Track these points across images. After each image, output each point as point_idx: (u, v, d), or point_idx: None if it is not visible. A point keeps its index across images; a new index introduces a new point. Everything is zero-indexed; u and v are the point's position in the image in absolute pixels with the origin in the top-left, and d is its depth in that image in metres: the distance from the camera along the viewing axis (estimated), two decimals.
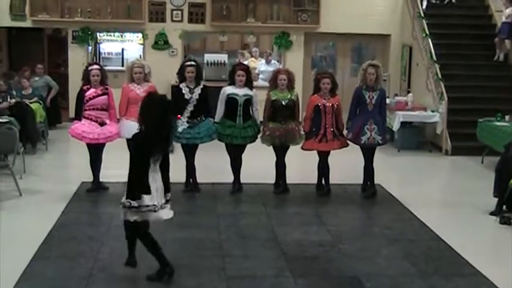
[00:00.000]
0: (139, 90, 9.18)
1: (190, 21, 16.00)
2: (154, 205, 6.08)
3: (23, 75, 14.21)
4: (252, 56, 16.78)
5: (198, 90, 9.38)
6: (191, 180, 9.70)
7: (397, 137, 13.46)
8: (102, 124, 9.41)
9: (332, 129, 9.40)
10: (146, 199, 6.02)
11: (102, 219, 8.54)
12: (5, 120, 10.43)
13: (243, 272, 6.72)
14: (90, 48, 16.13)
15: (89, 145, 9.50)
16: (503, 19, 14.21)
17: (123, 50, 16.57)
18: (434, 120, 13.56)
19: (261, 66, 16.06)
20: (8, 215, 8.58)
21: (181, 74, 9.44)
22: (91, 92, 9.40)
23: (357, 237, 8.11)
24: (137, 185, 6.02)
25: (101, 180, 9.68)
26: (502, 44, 14.48)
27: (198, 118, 9.41)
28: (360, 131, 9.47)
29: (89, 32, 15.88)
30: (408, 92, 15.03)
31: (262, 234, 7.96)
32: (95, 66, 9.67)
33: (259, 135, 9.63)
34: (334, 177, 9.77)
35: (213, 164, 10.60)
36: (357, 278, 6.62)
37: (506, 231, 8.42)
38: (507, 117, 12.35)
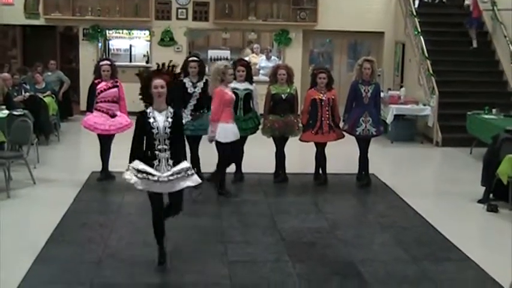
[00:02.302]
0: (231, 92, 8.79)
1: (194, 19, 15.97)
2: (150, 174, 5.99)
3: (36, 70, 14.19)
4: (253, 52, 16.74)
5: (200, 85, 9.35)
6: (195, 169, 9.68)
7: (390, 129, 13.43)
8: (113, 116, 9.42)
9: (328, 122, 9.38)
10: (139, 164, 6.01)
11: (111, 207, 8.54)
12: (19, 113, 10.39)
13: (245, 258, 6.71)
14: (100, 44, 16.10)
15: (100, 136, 9.50)
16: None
17: (131, 46, 16.57)
18: (425, 113, 13.53)
19: (262, 62, 16.02)
20: (23, 202, 8.60)
21: (184, 69, 9.41)
22: (102, 85, 9.40)
23: (352, 225, 8.10)
24: (131, 151, 6.11)
25: (110, 169, 9.67)
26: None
27: (201, 111, 9.39)
28: (356, 123, 9.45)
29: (99, 30, 15.85)
30: (401, 87, 14.98)
31: (263, 222, 7.95)
32: (106, 62, 9.68)
33: (259, 127, 9.61)
34: (331, 167, 9.75)
35: (216, 155, 10.56)
36: (352, 263, 6.61)
37: (493, 218, 8.42)
38: (494, 111, 12.32)
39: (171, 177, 6.07)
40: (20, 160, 9.53)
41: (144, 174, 6.01)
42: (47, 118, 12.27)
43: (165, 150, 6.09)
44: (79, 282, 5.98)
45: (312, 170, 9.79)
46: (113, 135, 9.57)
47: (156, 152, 6.07)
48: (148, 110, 6.11)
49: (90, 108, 9.56)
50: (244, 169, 9.77)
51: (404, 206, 8.81)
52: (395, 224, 8.04)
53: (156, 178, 6.02)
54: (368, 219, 8.37)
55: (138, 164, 6.03)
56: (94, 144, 9.73)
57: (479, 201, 8.86)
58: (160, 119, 6.06)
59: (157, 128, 6.04)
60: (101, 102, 9.41)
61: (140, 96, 6.22)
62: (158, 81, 6.04)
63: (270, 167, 9.83)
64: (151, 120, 6.05)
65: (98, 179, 9.59)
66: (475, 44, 14.78)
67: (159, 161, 6.08)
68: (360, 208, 9.12)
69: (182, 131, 6.33)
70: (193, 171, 6.33)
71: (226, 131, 8.64)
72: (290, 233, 7.54)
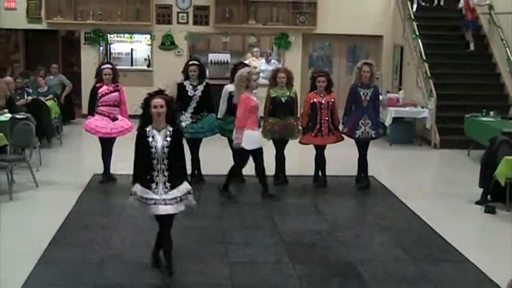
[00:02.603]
0: (256, 98, 8.72)
1: (195, 23, 15.98)
2: (149, 198, 6.01)
3: (38, 74, 14.21)
4: (253, 56, 16.76)
5: (200, 88, 9.37)
6: (196, 171, 9.71)
7: (389, 132, 13.45)
8: (114, 119, 9.43)
9: (327, 125, 9.40)
10: (139, 190, 6.03)
11: (113, 209, 8.55)
12: (22, 116, 10.41)
13: (245, 259, 6.73)
14: (101, 48, 16.11)
15: (101, 139, 9.52)
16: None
17: (132, 50, 16.57)
18: (424, 116, 13.55)
19: (262, 66, 16.02)
20: (25, 205, 8.62)
21: (185, 73, 9.43)
22: (104, 89, 9.41)
23: (352, 226, 8.11)
24: (134, 171, 6.15)
25: (111, 172, 9.68)
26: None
27: (201, 114, 9.41)
28: (355, 125, 9.46)
29: (100, 34, 15.86)
30: (399, 90, 15.00)
31: (263, 223, 7.96)
32: (108, 65, 9.69)
33: (259, 130, 9.61)
34: (330, 170, 9.77)
35: (216, 157, 10.60)
36: (352, 264, 6.63)
37: (490, 220, 8.43)
38: (492, 113, 12.33)
39: (168, 202, 6.03)
40: (22, 163, 9.55)
41: (145, 200, 6.04)
42: (49, 121, 12.28)
43: (163, 170, 6.02)
44: (82, 284, 5.99)
45: (312, 172, 9.80)
46: (114, 138, 9.58)
47: (154, 173, 6.02)
48: (147, 129, 6.05)
49: (91, 111, 9.57)
50: (244, 172, 9.77)
51: (403, 207, 8.82)
52: (395, 226, 8.05)
53: (153, 202, 6.02)
54: (367, 221, 8.38)
55: (141, 192, 6.04)
56: (96, 147, 9.75)
57: (477, 203, 8.88)
58: (158, 139, 6.00)
59: (156, 147, 5.98)
60: (102, 106, 9.42)
61: (141, 120, 6.17)
62: (158, 101, 5.98)
63: (270, 170, 9.82)
64: (150, 139, 6.00)
65: (100, 182, 9.60)
66: (472, 47, 14.79)
67: (157, 185, 6.03)
68: (360, 210, 9.13)
69: (182, 151, 6.19)
70: (191, 193, 6.21)
71: (252, 137, 8.65)
72: (290, 234, 7.56)
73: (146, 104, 6.04)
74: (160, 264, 6.35)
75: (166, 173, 6.02)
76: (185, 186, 6.12)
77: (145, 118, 6.09)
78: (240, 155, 8.83)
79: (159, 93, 6.09)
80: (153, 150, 5.96)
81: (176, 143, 6.07)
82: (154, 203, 6.01)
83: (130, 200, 6.15)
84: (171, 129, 6.07)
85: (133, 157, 6.15)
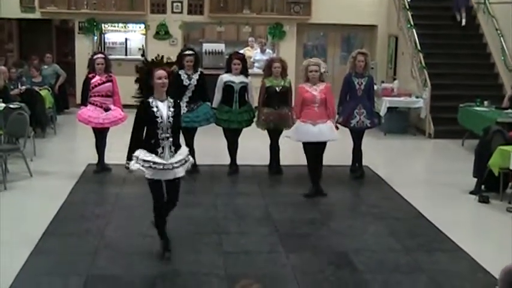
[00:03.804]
0: (316, 91, 8.49)
1: (189, 12, 15.93)
2: (157, 163, 6.07)
3: (32, 63, 14.15)
4: (247, 45, 16.72)
5: (195, 77, 9.34)
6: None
7: (383, 121, 13.45)
8: (106, 110, 9.40)
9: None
10: (143, 154, 6.06)
11: (107, 199, 8.55)
12: (16, 106, 10.38)
13: (239, 248, 6.73)
14: (95, 38, 16.04)
15: (94, 129, 9.49)
16: None
17: (126, 39, 16.51)
18: (418, 106, 13.56)
19: (256, 55, 16.00)
20: (20, 194, 8.60)
21: (180, 62, 9.39)
22: (96, 79, 9.37)
23: (345, 216, 8.12)
24: (131, 140, 6.18)
25: (105, 161, 9.67)
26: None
27: (196, 103, 9.39)
28: (350, 115, 9.45)
29: (95, 23, 15.79)
30: (394, 79, 15.01)
31: (257, 213, 7.96)
32: (100, 55, 9.64)
33: (254, 120, 9.61)
34: (325, 159, 9.70)
35: (211, 147, 10.59)
36: (345, 254, 6.64)
37: (484, 209, 8.45)
38: (486, 103, 12.33)
39: (175, 165, 6.17)
40: (16, 153, 9.52)
41: (151, 163, 6.07)
42: (43, 111, 12.25)
43: (168, 138, 6.14)
44: (76, 273, 5.98)
45: (305, 162, 9.78)
46: (108, 128, 9.56)
47: (160, 141, 6.12)
48: (150, 100, 6.11)
49: (84, 101, 9.54)
50: (239, 161, 9.78)
51: (397, 197, 8.83)
52: (388, 215, 8.06)
53: (161, 166, 6.10)
54: (361, 210, 8.39)
55: (145, 155, 6.08)
56: (90, 137, 9.73)
57: (471, 193, 8.89)
58: (163, 108, 6.11)
59: (161, 116, 6.08)
60: (95, 96, 9.38)
61: (139, 89, 6.21)
62: (161, 72, 6.09)
63: (265, 159, 9.84)
64: (154, 109, 6.08)
65: (94, 171, 9.59)
66: (463, 23, 14.92)
67: (163, 149, 6.13)
68: (353, 199, 9.13)
69: (181, 121, 6.46)
70: (190, 156, 6.48)
71: (300, 130, 8.54)
72: (284, 224, 7.56)
73: (148, 75, 6.08)
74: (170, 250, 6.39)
75: (170, 139, 6.15)
76: (185, 148, 6.44)
77: (147, 89, 6.14)
78: (304, 150, 8.67)
79: (159, 62, 6.17)
80: (159, 119, 6.07)
81: (178, 113, 6.28)
82: (163, 168, 6.09)
83: (131, 167, 6.11)
84: (171, 100, 6.22)
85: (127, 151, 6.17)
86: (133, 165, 6.10)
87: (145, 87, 6.16)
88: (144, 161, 6.06)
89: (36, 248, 6.54)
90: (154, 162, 6.07)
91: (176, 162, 6.18)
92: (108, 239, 6.89)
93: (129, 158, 6.15)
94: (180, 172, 6.26)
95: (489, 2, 14.53)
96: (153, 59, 6.26)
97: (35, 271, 6.05)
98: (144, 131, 6.17)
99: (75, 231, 7.16)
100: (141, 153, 6.09)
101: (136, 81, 6.23)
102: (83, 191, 8.75)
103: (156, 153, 6.10)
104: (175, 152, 6.22)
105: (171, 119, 6.11)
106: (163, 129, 6.10)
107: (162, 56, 6.30)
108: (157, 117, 6.06)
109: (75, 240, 6.85)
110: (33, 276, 5.96)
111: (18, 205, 8.17)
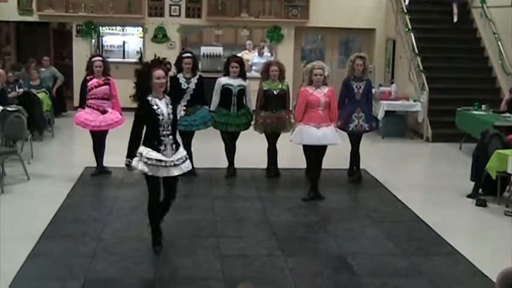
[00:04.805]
0: (320, 94, 8.41)
1: (187, 15, 15.96)
2: (161, 160, 6.17)
3: (30, 66, 14.15)
4: (245, 49, 16.73)
5: (194, 80, 9.36)
6: None
7: (381, 125, 13.46)
8: (104, 112, 9.39)
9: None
10: (146, 151, 6.14)
11: (105, 202, 8.54)
12: (13, 108, 10.38)
13: (237, 252, 6.72)
14: (93, 41, 16.06)
15: (92, 132, 9.49)
16: None
17: (124, 42, 16.54)
18: (416, 109, 13.58)
19: (254, 58, 16.03)
20: (17, 197, 8.58)
21: (178, 65, 9.40)
22: (93, 82, 9.37)
23: (343, 219, 8.11)
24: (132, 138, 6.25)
25: (104, 165, 9.66)
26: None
27: (195, 106, 9.39)
28: (348, 118, 9.45)
29: (92, 26, 15.81)
30: (392, 83, 15.01)
31: (255, 216, 7.96)
32: (98, 58, 9.66)
33: (252, 123, 9.62)
34: (323, 163, 9.75)
35: (209, 150, 10.59)
36: (343, 257, 6.64)
37: (482, 213, 8.45)
38: (484, 107, 12.36)
39: (176, 162, 6.29)
40: (14, 156, 9.51)
41: (154, 161, 6.16)
42: (41, 114, 12.24)
43: (168, 135, 6.26)
44: (73, 277, 5.97)
45: (303, 165, 9.76)
46: (106, 131, 9.55)
47: (162, 138, 6.21)
48: (149, 98, 6.20)
49: (82, 104, 9.54)
50: (236, 164, 9.78)
51: (394, 200, 8.84)
52: (386, 219, 8.07)
53: (164, 164, 6.20)
54: (359, 214, 8.38)
55: (149, 152, 6.17)
56: (88, 140, 9.72)
57: (469, 196, 8.90)
58: (163, 106, 6.21)
59: (162, 114, 6.19)
60: (92, 99, 9.38)
61: (136, 89, 6.27)
62: (160, 72, 6.21)
63: (262, 163, 9.84)
64: (155, 107, 6.18)
65: (92, 174, 9.58)
66: (455, 19, 15.02)
67: (165, 146, 6.23)
68: (351, 203, 9.13)
69: (177, 118, 6.58)
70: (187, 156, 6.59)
71: (302, 133, 8.50)
72: (282, 227, 7.56)
73: (146, 75, 6.15)
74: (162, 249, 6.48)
75: (171, 137, 6.27)
76: (182, 148, 6.56)
77: (145, 89, 6.22)
78: (304, 153, 8.67)
79: (153, 62, 6.24)
80: (160, 117, 6.18)
81: (175, 110, 6.43)
82: (165, 165, 6.20)
83: (133, 164, 6.18)
84: (168, 97, 6.34)
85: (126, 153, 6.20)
86: (137, 163, 6.17)
87: (144, 87, 6.21)
88: (148, 158, 6.15)
89: (33, 251, 6.53)
90: (157, 160, 6.17)
91: (178, 160, 6.31)
92: (105, 242, 6.88)
93: (130, 155, 6.23)
94: (181, 169, 6.36)
95: (487, 6, 14.56)
96: (151, 60, 6.31)
97: (32, 274, 6.03)
98: (144, 129, 6.25)
99: (72, 234, 7.15)
100: (144, 150, 6.18)
101: (135, 83, 6.28)
102: (80, 194, 8.74)
103: (159, 151, 6.19)
104: (177, 149, 6.34)
105: (171, 116, 6.25)
106: (165, 127, 6.22)
107: (159, 57, 6.36)
108: (159, 114, 6.17)
109: (73, 243, 6.84)
110: (30, 279, 5.94)
111: (15, 208, 8.15)
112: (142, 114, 6.20)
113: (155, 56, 6.38)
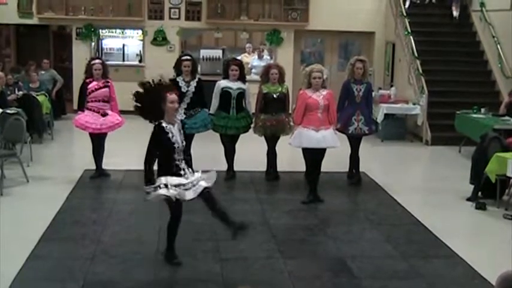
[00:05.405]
0: (319, 97, 8.44)
1: (187, 18, 15.98)
2: (184, 184, 6.10)
3: (29, 69, 14.16)
4: (245, 52, 16.75)
5: (193, 83, 9.37)
6: None
7: (380, 128, 13.47)
8: (104, 115, 9.40)
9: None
10: (168, 180, 6.05)
11: (104, 204, 8.54)
12: (13, 111, 10.38)
13: (236, 254, 6.72)
14: (93, 44, 16.08)
15: (91, 134, 9.49)
16: None
17: (124, 45, 16.56)
18: (415, 112, 13.59)
19: (254, 61, 16.05)
20: (16, 200, 8.58)
21: (177, 68, 9.41)
22: (93, 84, 9.38)
23: (342, 222, 8.12)
24: (147, 166, 6.15)
25: (103, 167, 9.66)
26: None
27: (194, 109, 9.40)
28: (348, 121, 9.46)
29: (92, 29, 15.82)
30: (391, 86, 15.03)
31: (254, 219, 7.94)
32: (97, 61, 9.66)
33: (251, 126, 9.63)
34: (322, 166, 9.74)
35: (208, 153, 10.59)
36: (342, 260, 6.64)
37: (481, 216, 8.46)
38: (483, 110, 12.38)
39: (194, 182, 6.17)
40: (13, 158, 9.52)
41: (181, 186, 6.08)
42: (40, 116, 12.25)
43: (182, 160, 6.22)
44: (72, 279, 5.97)
45: (303, 168, 9.76)
46: (105, 133, 9.56)
47: (177, 163, 6.16)
48: (164, 124, 6.12)
49: (81, 107, 9.54)
50: (236, 167, 9.79)
51: (394, 203, 8.84)
52: (385, 221, 8.07)
53: (189, 186, 6.13)
54: (358, 217, 8.39)
55: (172, 180, 6.07)
56: (87, 143, 9.72)
57: (468, 199, 8.90)
58: (176, 134, 6.18)
59: (177, 142, 6.14)
60: (92, 101, 9.39)
61: (149, 114, 6.17)
62: (174, 97, 6.14)
63: (262, 165, 9.84)
64: (170, 135, 6.11)
65: (91, 177, 9.58)
66: (455, 14, 15.11)
67: (184, 170, 6.19)
68: (350, 205, 9.13)
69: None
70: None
71: (301, 136, 8.50)
72: (281, 230, 7.57)
73: (159, 98, 6.05)
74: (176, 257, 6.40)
75: (184, 161, 6.23)
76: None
77: (159, 114, 6.12)
78: (303, 156, 8.67)
79: (166, 85, 6.18)
80: (175, 145, 6.13)
81: (184, 133, 6.43)
82: (190, 188, 6.12)
83: (161, 192, 6.02)
84: (178, 121, 6.37)
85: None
86: (164, 190, 6.01)
87: (157, 111, 6.14)
88: (173, 185, 6.05)
89: (32, 253, 6.53)
90: (182, 184, 6.09)
91: (195, 180, 6.19)
92: (105, 244, 6.88)
93: (150, 180, 6.08)
94: (205, 182, 6.24)
95: (486, 9, 14.58)
96: (161, 83, 6.19)
97: (31, 276, 6.03)
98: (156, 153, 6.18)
99: (72, 236, 7.16)
100: (168, 180, 6.07)
101: (147, 105, 6.15)
102: (80, 197, 8.74)
103: (180, 175, 6.13)
104: (192, 170, 6.30)
105: (184, 142, 6.24)
106: (179, 153, 6.17)
107: (161, 79, 6.21)
108: (174, 143, 6.11)
109: (72, 246, 6.84)
110: (29, 281, 5.95)
111: (14, 211, 8.16)
112: (157, 140, 6.10)
113: (161, 78, 6.22)
